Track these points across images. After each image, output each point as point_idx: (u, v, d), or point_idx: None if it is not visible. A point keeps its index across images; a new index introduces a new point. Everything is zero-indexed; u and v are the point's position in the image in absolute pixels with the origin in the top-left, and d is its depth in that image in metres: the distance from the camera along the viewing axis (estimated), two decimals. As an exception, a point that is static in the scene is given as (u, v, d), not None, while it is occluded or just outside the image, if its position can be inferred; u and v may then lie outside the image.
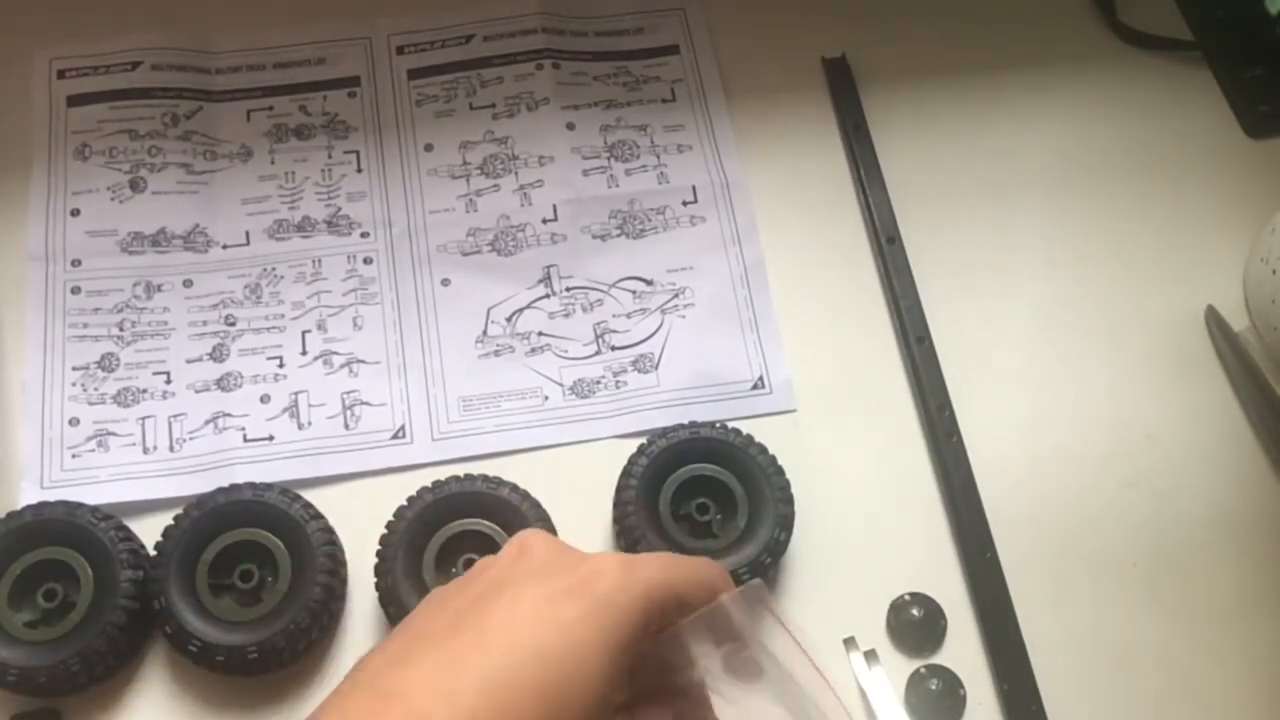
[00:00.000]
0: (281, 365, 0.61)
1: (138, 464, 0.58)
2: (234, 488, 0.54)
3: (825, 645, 0.54)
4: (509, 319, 0.62)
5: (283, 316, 0.62)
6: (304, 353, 0.61)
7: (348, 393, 0.60)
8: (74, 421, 0.58)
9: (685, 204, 0.66)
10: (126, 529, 0.54)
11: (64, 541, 0.52)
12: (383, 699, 0.33)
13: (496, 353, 0.61)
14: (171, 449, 0.58)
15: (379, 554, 0.53)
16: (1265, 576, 0.57)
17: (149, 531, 0.54)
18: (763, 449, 0.56)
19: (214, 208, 0.64)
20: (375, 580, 0.53)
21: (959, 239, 0.65)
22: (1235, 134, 0.69)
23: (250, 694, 0.53)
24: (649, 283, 0.64)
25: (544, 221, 0.65)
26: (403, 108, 0.68)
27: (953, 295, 0.63)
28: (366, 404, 0.60)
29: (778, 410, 0.60)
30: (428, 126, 0.67)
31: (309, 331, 0.61)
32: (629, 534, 0.53)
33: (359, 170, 0.66)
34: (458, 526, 0.54)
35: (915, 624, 0.55)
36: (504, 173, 0.66)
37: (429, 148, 0.67)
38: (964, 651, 0.55)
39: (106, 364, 0.60)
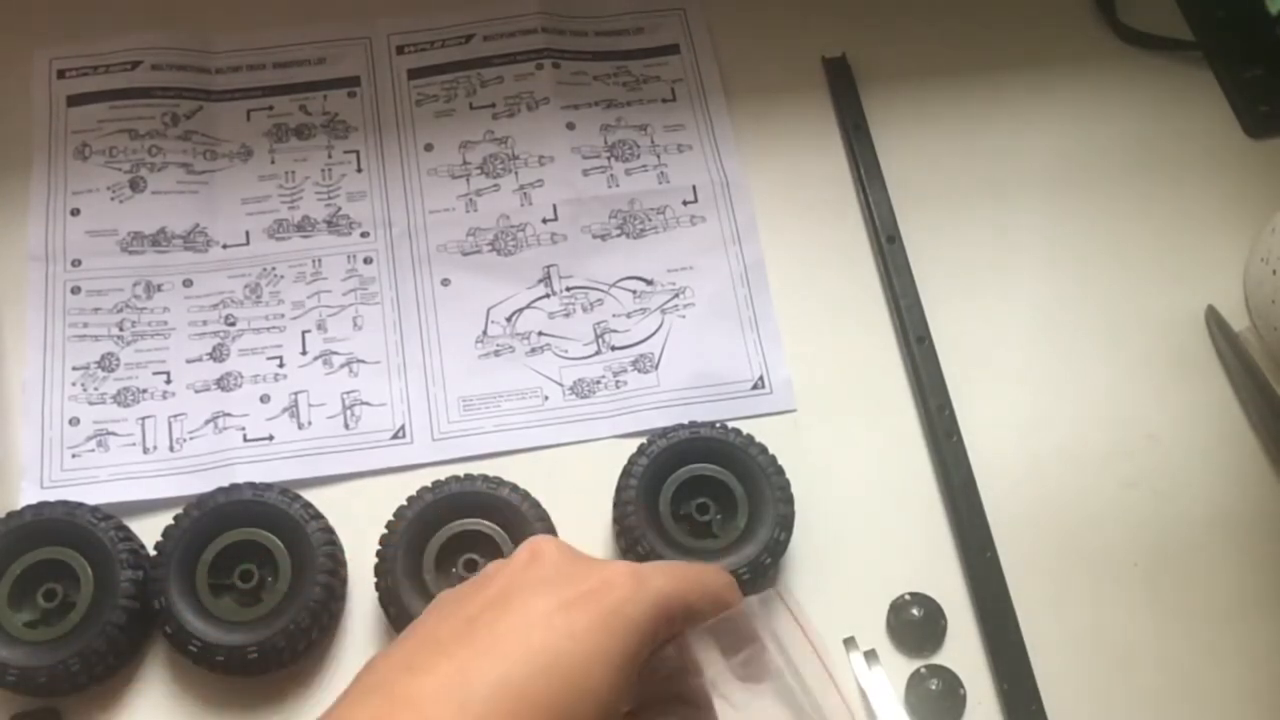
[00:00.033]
0: (281, 365, 0.61)
1: (138, 464, 0.58)
2: (234, 488, 0.54)
3: (825, 645, 0.54)
4: (509, 319, 0.62)
5: (283, 316, 0.62)
6: (304, 353, 0.61)
7: (348, 393, 0.60)
8: (74, 421, 0.58)
9: (685, 204, 0.66)
10: (126, 529, 0.54)
11: (64, 541, 0.52)
12: (394, 706, 0.33)
13: (496, 353, 0.61)
14: (171, 449, 0.58)
15: (379, 554, 0.53)
16: (1265, 576, 0.57)
17: (149, 531, 0.54)
18: (763, 449, 0.56)
19: (214, 207, 0.64)
20: (375, 580, 0.53)
21: (959, 239, 0.65)
22: (1235, 134, 0.69)
23: (250, 694, 0.53)
24: (649, 282, 0.64)
25: (544, 221, 0.65)
26: (403, 107, 0.68)
27: (953, 295, 0.63)
28: (366, 404, 0.60)
29: (778, 410, 0.60)
30: (428, 126, 0.67)
31: (309, 331, 0.61)
32: (629, 534, 0.53)
33: (359, 170, 0.66)
34: (458, 526, 0.54)
35: (915, 624, 0.55)
36: (504, 172, 0.66)
37: (429, 147, 0.67)
38: (964, 651, 0.55)
39: (106, 364, 0.60)
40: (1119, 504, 0.59)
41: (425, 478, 0.55)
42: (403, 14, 0.70)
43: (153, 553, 0.53)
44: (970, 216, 0.66)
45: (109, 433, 0.58)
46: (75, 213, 0.63)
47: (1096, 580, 0.57)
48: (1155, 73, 0.71)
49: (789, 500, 0.55)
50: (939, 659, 0.54)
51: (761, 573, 0.53)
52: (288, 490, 0.55)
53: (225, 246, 0.63)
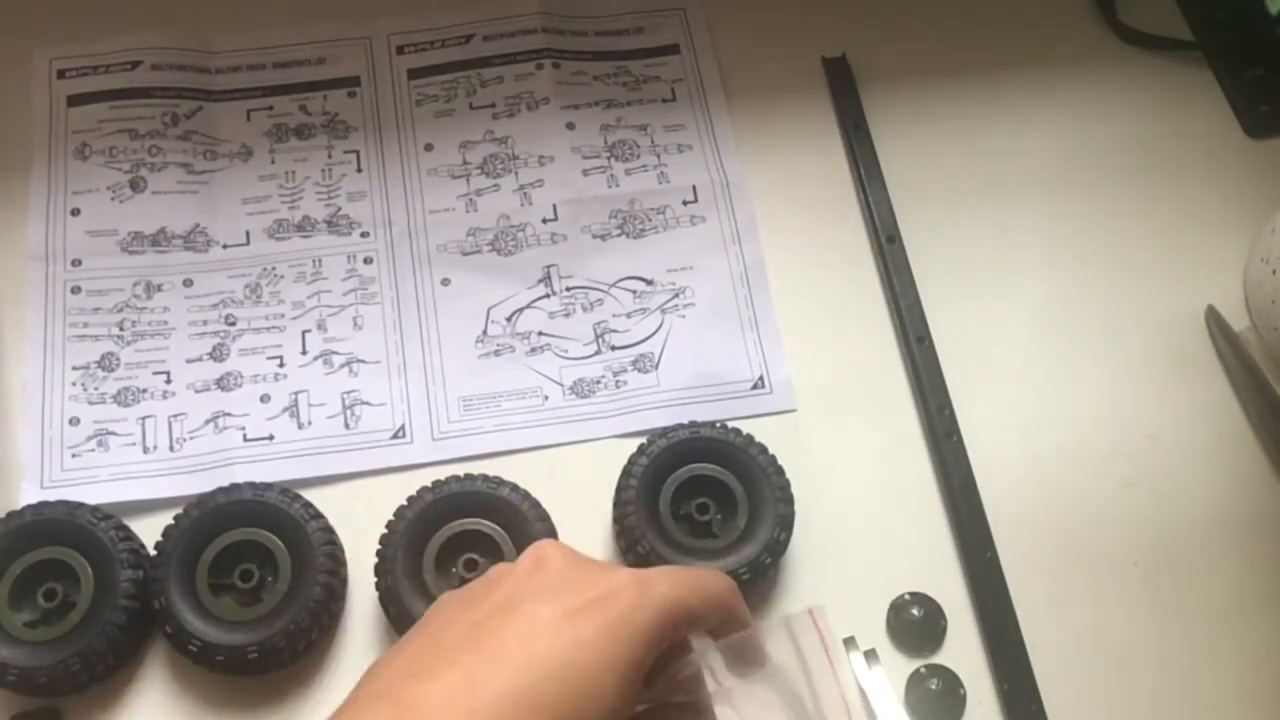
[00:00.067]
0: (281, 365, 0.61)
1: (138, 464, 0.58)
2: (234, 487, 0.54)
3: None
4: (509, 319, 0.62)
5: (283, 316, 0.62)
6: (304, 352, 0.61)
7: (348, 392, 0.60)
8: (74, 421, 0.58)
9: (685, 204, 0.66)
10: (126, 529, 0.54)
11: (64, 541, 0.52)
12: (400, 713, 0.33)
13: (496, 352, 0.61)
14: (171, 449, 0.58)
15: (379, 554, 0.53)
16: (1265, 576, 0.57)
17: (149, 531, 0.54)
18: (763, 449, 0.56)
19: (214, 207, 0.64)
20: (375, 580, 0.53)
21: (959, 239, 0.65)
22: (1235, 134, 0.69)
23: (250, 694, 0.53)
24: (649, 282, 0.64)
25: (544, 221, 0.65)
26: (403, 107, 0.68)
27: (953, 295, 0.63)
28: (366, 404, 0.60)
29: (778, 410, 0.60)
30: (428, 126, 0.67)
31: (309, 331, 0.61)
32: (629, 534, 0.53)
33: (359, 170, 0.66)
34: (458, 526, 0.54)
35: (915, 624, 0.55)
36: (504, 172, 0.66)
37: (429, 147, 0.67)
38: (964, 651, 0.55)
39: (106, 364, 0.60)
40: (1119, 504, 0.59)
41: (425, 477, 0.55)
42: (403, 14, 0.70)
43: (153, 553, 0.53)
44: (970, 216, 0.66)
45: (109, 432, 0.58)
46: (75, 213, 0.63)
47: (1096, 580, 0.57)
48: (1155, 73, 0.71)
49: (789, 500, 0.55)
50: (939, 659, 0.54)
51: (761, 573, 0.53)
52: (288, 490, 0.55)
53: (225, 246, 0.63)
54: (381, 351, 0.61)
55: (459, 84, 0.68)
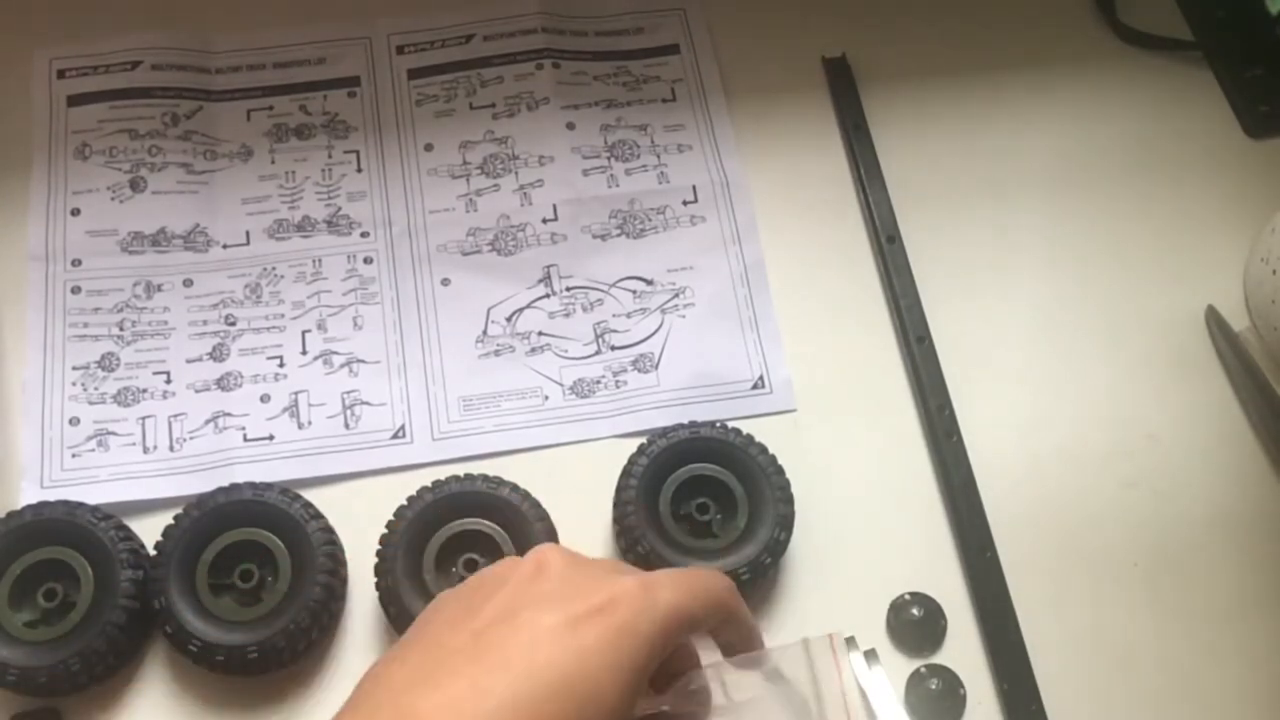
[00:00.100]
0: (281, 365, 0.61)
1: (138, 464, 0.58)
2: (234, 487, 0.54)
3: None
4: (509, 319, 0.62)
5: (283, 316, 0.62)
6: (304, 352, 0.61)
7: (348, 392, 0.60)
8: (74, 421, 0.58)
9: (685, 204, 0.66)
10: (126, 529, 0.54)
11: (64, 541, 0.52)
12: None
13: (496, 352, 0.61)
14: (171, 449, 0.58)
15: (379, 554, 0.53)
16: (1265, 576, 0.57)
17: (149, 531, 0.54)
18: (763, 449, 0.56)
19: (214, 207, 0.64)
20: (375, 580, 0.53)
21: (959, 239, 0.65)
22: (1235, 134, 0.69)
23: (250, 694, 0.53)
24: (649, 282, 0.64)
25: (544, 221, 0.65)
26: (403, 107, 0.68)
27: (953, 295, 0.63)
28: (366, 404, 0.60)
29: (778, 410, 0.60)
30: (428, 126, 0.67)
31: (309, 331, 0.61)
32: (629, 534, 0.53)
33: (359, 170, 0.66)
34: (458, 526, 0.54)
35: (915, 624, 0.55)
36: (504, 172, 0.66)
37: (429, 147, 0.67)
38: (964, 651, 0.55)
39: (106, 364, 0.60)
40: (1119, 504, 0.59)
41: (425, 477, 0.55)
42: (403, 14, 0.70)
43: (153, 553, 0.53)
44: (970, 216, 0.66)
45: (109, 432, 0.58)
46: (75, 213, 0.63)
47: (1096, 580, 0.57)
48: (1155, 73, 0.71)
49: (789, 500, 0.55)
50: (939, 659, 0.54)
51: (761, 573, 0.53)
52: (288, 490, 0.55)
53: (225, 246, 0.63)
54: (381, 351, 0.61)
55: (459, 84, 0.68)
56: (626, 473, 0.55)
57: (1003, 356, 0.62)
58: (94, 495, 0.56)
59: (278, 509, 0.54)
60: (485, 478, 0.55)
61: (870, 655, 0.54)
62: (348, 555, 0.55)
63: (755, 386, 0.61)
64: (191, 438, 0.58)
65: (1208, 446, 0.60)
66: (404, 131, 0.67)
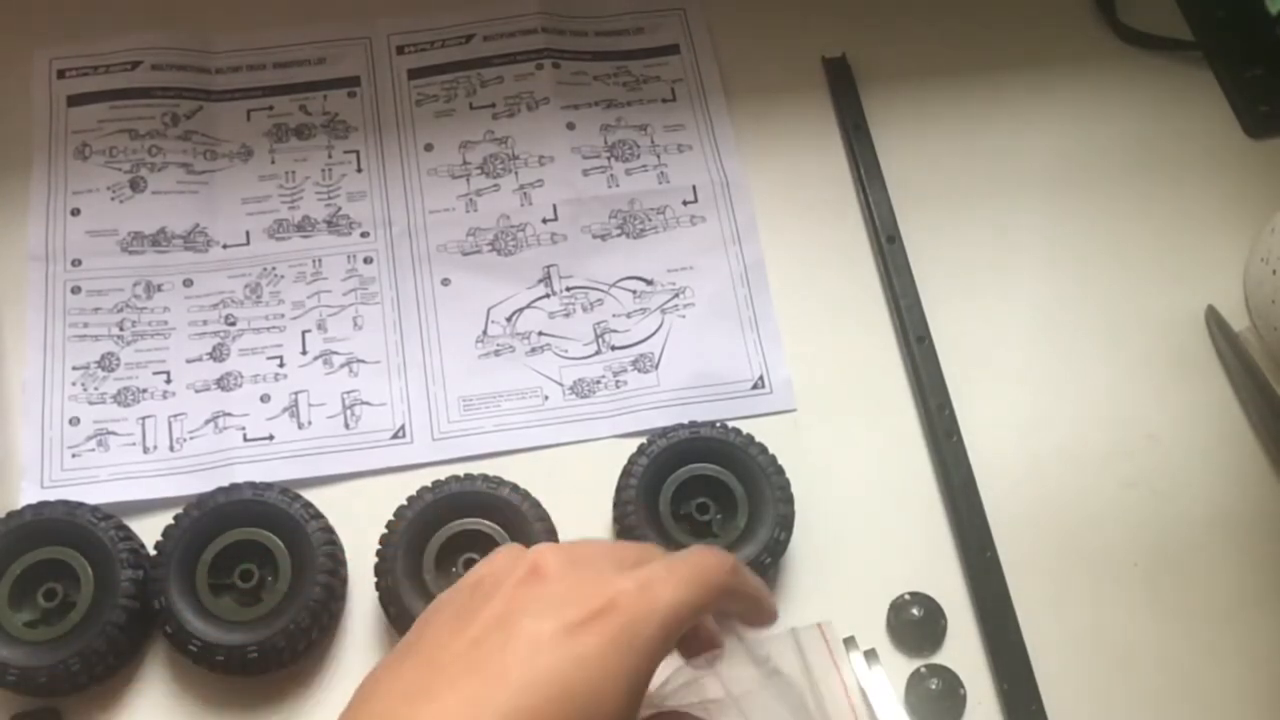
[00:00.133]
0: (281, 365, 0.61)
1: (138, 464, 0.58)
2: (234, 487, 0.54)
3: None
4: (509, 319, 0.62)
5: (283, 316, 0.62)
6: (304, 352, 0.61)
7: (348, 392, 0.60)
8: (74, 421, 0.58)
9: (685, 204, 0.66)
10: (126, 529, 0.54)
11: (64, 541, 0.52)
12: None
13: (496, 352, 0.61)
14: (171, 448, 0.58)
15: (379, 554, 0.53)
16: (1265, 576, 0.57)
17: (149, 531, 0.54)
18: (763, 449, 0.56)
19: (214, 207, 0.64)
20: (375, 580, 0.53)
21: (959, 239, 0.65)
22: (1235, 134, 0.69)
23: (250, 694, 0.53)
24: (649, 282, 0.64)
25: (544, 221, 0.65)
26: (403, 107, 0.68)
27: (953, 295, 0.63)
28: (366, 404, 0.60)
29: (778, 410, 0.60)
30: (428, 126, 0.67)
31: (309, 331, 0.61)
32: (629, 534, 0.53)
33: (359, 170, 0.66)
34: (458, 526, 0.54)
35: (915, 624, 0.55)
36: (504, 172, 0.66)
37: (429, 147, 0.67)
38: (964, 651, 0.55)
39: (106, 364, 0.60)
40: (1119, 504, 0.59)
41: (425, 477, 0.55)
42: (403, 14, 0.70)
43: (153, 552, 0.53)
44: (970, 216, 0.66)
45: (109, 432, 0.58)
46: (75, 213, 0.63)
47: (1096, 580, 0.57)
48: (1155, 73, 0.71)
49: (789, 500, 0.55)
50: (939, 659, 0.54)
51: (761, 572, 0.53)
52: (288, 490, 0.55)
53: (225, 246, 0.63)
54: (381, 351, 0.61)
55: (459, 84, 0.68)
56: (626, 473, 0.55)
57: (1003, 356, 0.62)
58: (94, 495, 0.56)
59: (278, 509, 0.54)
60: (485, 478, 0.55)
61: (870, 655, 0.54)
62: (348, 555, 0.55)
63: (755, 386, 0.61)
64: (191, 438, 0.58)
65: (1208, 446, 0.60)
66: (404, 131, 0.67)
